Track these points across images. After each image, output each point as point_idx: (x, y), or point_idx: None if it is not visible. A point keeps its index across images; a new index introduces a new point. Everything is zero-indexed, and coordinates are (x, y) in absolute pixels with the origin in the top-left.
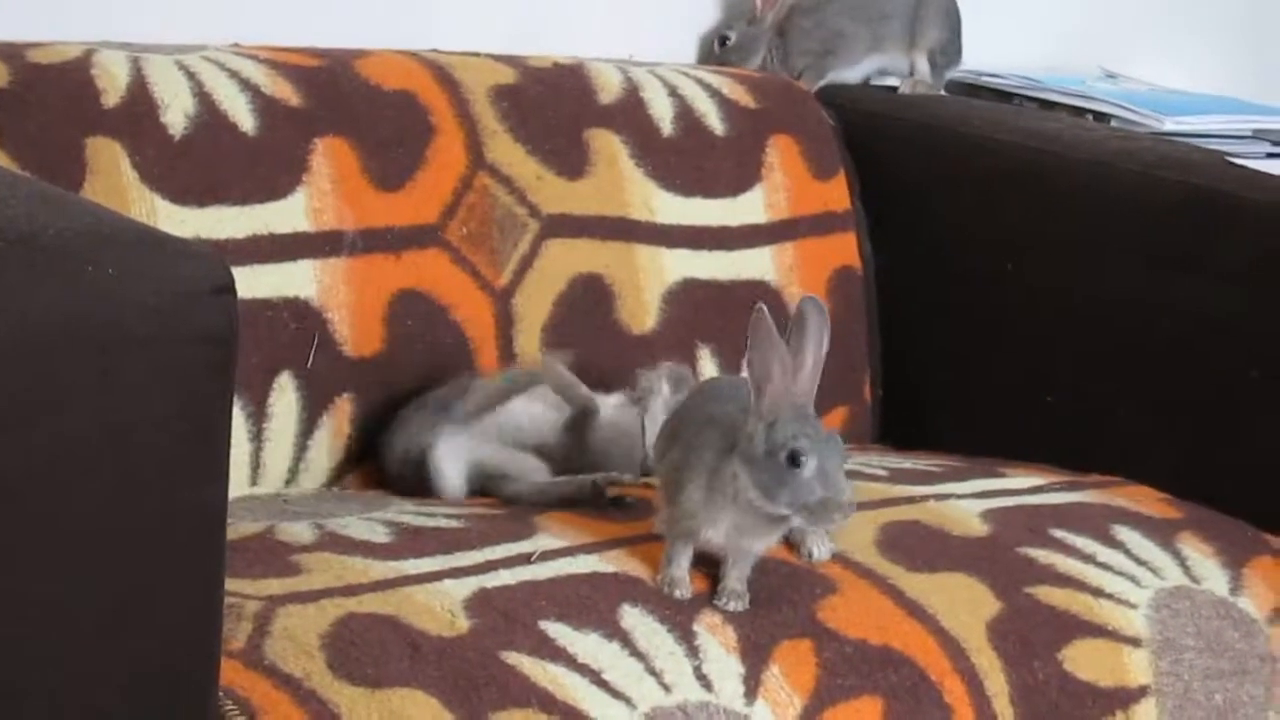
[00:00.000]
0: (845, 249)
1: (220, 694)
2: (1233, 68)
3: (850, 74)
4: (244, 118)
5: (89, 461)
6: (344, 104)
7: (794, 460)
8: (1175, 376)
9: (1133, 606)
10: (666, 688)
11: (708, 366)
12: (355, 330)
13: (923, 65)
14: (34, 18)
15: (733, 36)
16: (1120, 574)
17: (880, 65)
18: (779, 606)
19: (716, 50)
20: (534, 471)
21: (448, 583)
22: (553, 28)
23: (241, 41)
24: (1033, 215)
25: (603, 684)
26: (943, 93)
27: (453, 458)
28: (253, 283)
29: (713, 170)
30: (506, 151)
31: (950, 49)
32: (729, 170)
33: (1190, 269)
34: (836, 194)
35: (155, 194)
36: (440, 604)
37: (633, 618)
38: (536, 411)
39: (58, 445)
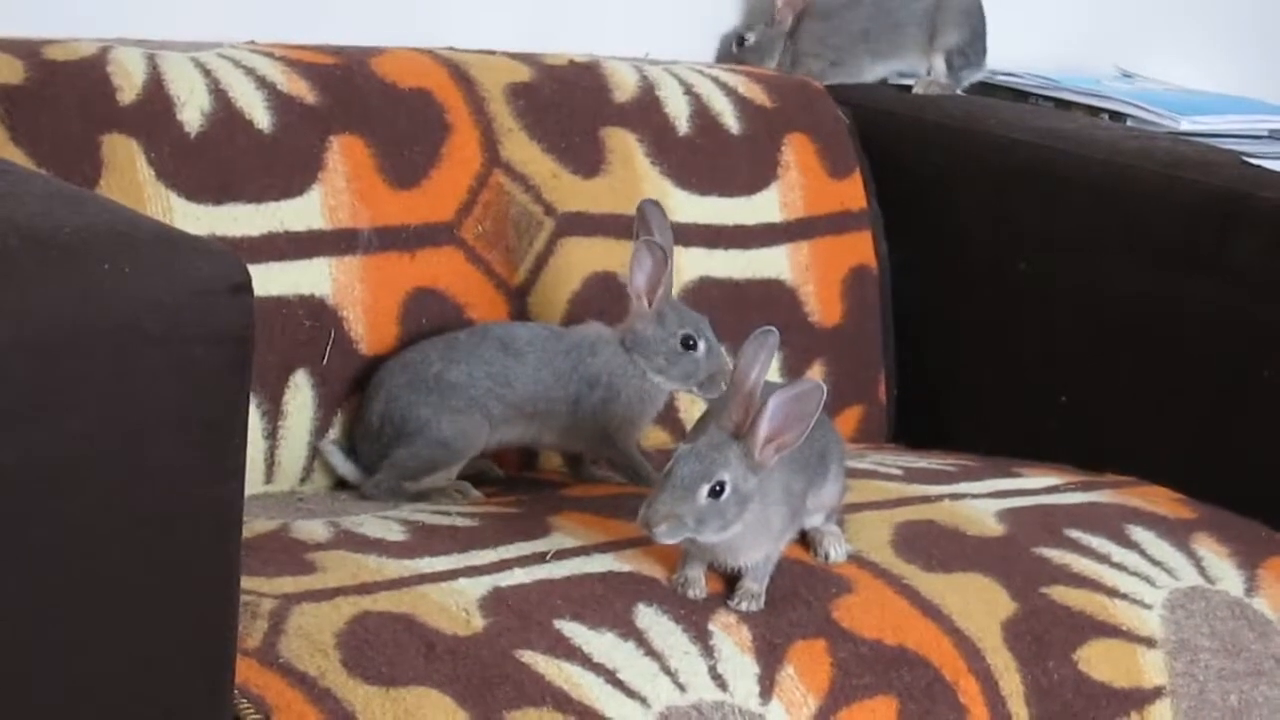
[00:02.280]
0: (861, 248)
1: (235, 692)
2: (1249, 68)
3: (861, 78)
4: (260, 115)
5: (104, 459)
6: (359, 102)
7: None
8: (1190, 377)
9: (1148, 607)
10: (681, 687)
11: None
12: (370, 328)
13: (940, 66)
14: (50, 14)
15: (751, 38)
16: (1135, 574)
17: (892, 70)
18: (794, 606)
19: (735, 50)
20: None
21: (463, 581)
22: (569, 26)
23: (257, 39)
24: (1048, 215)
25: (618, 683)
26: (958, 92)
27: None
28: (268, 281)
29: (728, 169)
30: (522, 149)
31: (970, 51)
32: (745, 169)
33: (1206, 269)
34: (852, 193)
35: (171, 191)
36: (455, 603)
37: (648, 617)
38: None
39: (73, 443)
